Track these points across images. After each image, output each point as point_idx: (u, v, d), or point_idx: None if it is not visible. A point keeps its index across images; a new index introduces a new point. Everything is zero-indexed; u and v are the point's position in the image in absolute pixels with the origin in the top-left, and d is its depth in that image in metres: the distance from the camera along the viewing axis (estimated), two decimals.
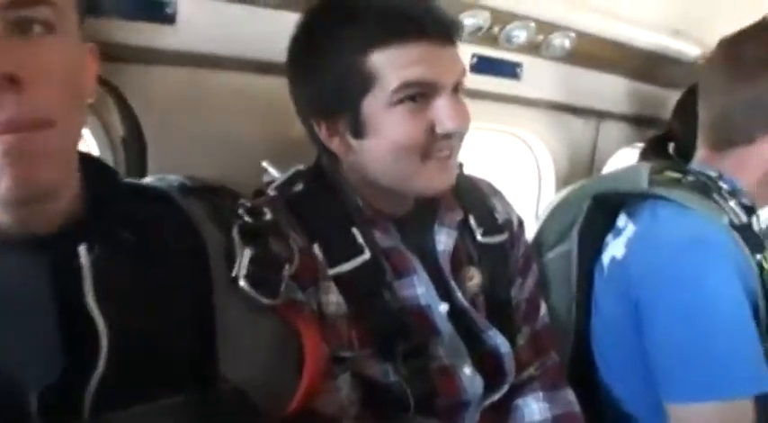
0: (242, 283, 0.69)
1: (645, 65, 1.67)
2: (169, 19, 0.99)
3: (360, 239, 0.91)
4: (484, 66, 1.39)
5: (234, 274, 0.69)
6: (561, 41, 1.45)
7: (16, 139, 0.51)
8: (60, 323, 0.56)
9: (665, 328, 0.99)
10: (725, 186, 1.10)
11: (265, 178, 1.03)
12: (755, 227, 1.09)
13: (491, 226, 1.06)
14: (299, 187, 0.95)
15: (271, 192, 0.96)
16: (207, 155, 1.09)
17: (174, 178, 0.81)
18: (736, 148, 1.14)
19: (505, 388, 1.01)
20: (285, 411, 0.69)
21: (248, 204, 0.79)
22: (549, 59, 1.50)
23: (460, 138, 0.91)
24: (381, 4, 0.85)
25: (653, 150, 1.63)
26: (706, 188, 1.09)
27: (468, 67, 1.31)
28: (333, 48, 0.86)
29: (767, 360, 0.96)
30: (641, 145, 1.72)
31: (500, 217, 1.09)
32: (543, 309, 1.14)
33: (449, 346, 0.95)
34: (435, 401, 0.93)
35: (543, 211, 1.33)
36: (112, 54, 0.92)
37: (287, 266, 0.76)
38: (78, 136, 0.62)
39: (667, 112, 1.68)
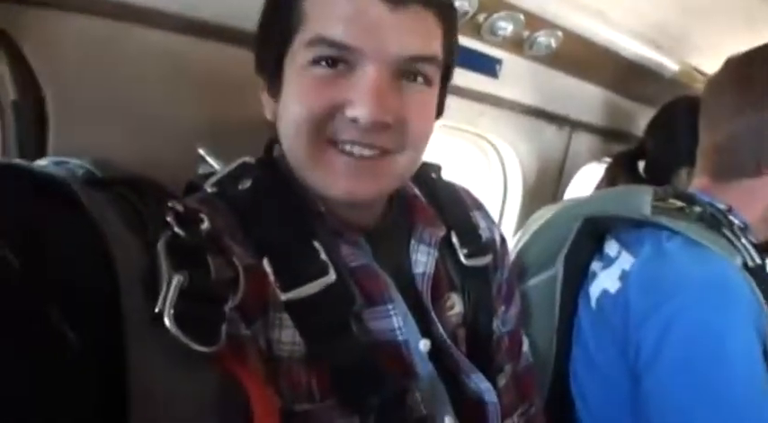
0: (168, 323, 0.48)
1: (624, 75, 1.56)
2: None
3: (323, 255, 0.71)
4: (461, 58, 1.22)
5: (157, 311, 0.49)
6: (547, 40, 1.30)
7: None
8: None
9: (670, 382, 0.86)
10: (737, 222, 0.98)
11: (201, 169, 0.82)
12: None
13: (476, 246, 0.90)
14: (245, 184, 0.74)
15: (209, 188, 0.74)
16: (126, 133, 0.87)
17: (78, 163, 0.62)
18: (741, 180, 1.03)
19: None
20: None
21: (180, 208, 0.58)
22: (530, 59, 1.35)
23: (392, 138, 0.70)
24: None
25: (622, 167, 1.53)
26: (716, 222, 0.97)
27: None
28: None
29: None
30: (609, 159, 1.63)
31: (484, 235, 0.93)
32: (526, 344, 1.00)
33: (428, 392, 0.76)
34: None
35: (524, 233, 1.17)
36: None
37: (230, 298, 0.56)
38: None
39: (637, 127, 1.58)
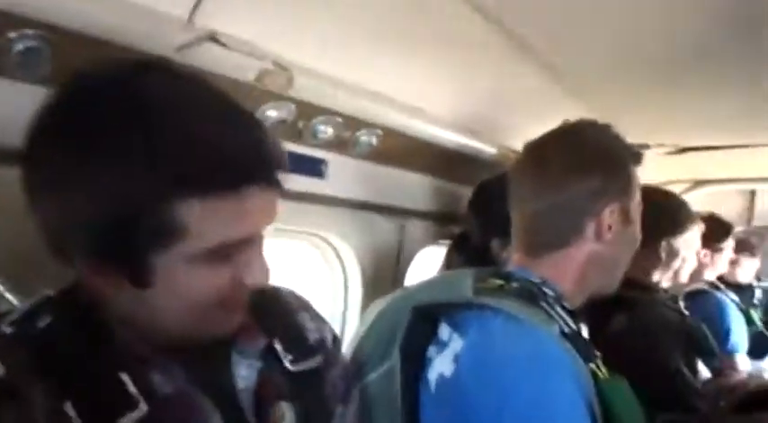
0: None
1: (447, 163, 1.69)
2: None
3: (131, 388, 0.69)
4: (288, 162, 1.27)
5: None
6: (368, 138, 1.39)
7: None
8: None
9: None
10: (550, 292, 1.07)
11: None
12: (584, 333, 1.09)
13: (302, 349, 0.91)
14: (44, 322, 0.70)
15: (5, 328, 0.69)
16: None
17: None
18: (552, 253, 1.14)
19: None
20: None
21: None
22: (354, 157, 1.43)
23: None
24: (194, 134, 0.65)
25: (456, 247, 1.63)
26: (532, 295, 1.06)
27: None
28: (114, 172, 0.63)
29: None
30: (444, 242, 1.73)
31: (311, 336, 0.94)
32: None
33: None
34: None
35: (358, 329, 1.20)
36: None
37: None
38: None
39: (464, 208, 1.70)
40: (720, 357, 2.77)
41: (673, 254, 1.98)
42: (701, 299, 2.84)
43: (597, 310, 1.89)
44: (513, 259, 1.19)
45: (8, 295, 0.78)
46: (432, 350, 1.06)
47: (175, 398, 0.73)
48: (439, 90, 1.53)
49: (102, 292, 0.71)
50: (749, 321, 3.13)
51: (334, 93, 1.22)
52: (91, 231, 0.64)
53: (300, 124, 1.23)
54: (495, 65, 1.45)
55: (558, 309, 1.04)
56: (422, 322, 1.08)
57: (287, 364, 0.87)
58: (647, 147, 2.48)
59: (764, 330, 3.29)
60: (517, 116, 1.72)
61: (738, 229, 5.23)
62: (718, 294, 3.01)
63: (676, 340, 1.82)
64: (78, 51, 0.85)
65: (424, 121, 1.53)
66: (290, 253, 1.66)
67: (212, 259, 0.68)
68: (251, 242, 0.71)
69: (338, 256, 1.59)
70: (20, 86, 0.87)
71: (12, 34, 0.80)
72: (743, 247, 3.92)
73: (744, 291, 3.87)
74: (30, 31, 0.81)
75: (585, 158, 1.13)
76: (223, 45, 1.01)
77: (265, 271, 0.74)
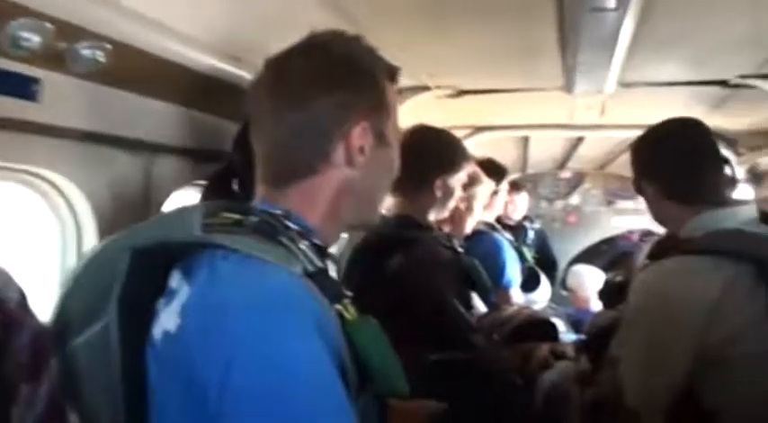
0: None
1: (201, 91, 1.48)
2: None
3: None
4: None
5: None
6: (92, 52, 1.14)
7: None
8: None
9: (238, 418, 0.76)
10: (294, 226, 0.95)
11: None
12: (332, 272, 0.99)
13: None
14: None
15: None
16: None
17: None
18: (299, 182, 1.01)
19: None
20: None
21: None
22: (78, 77, 1.17)
23: None
24: None
25: (215, 188, 1.46)
26: (273, 230, 0.92)
27: None
28: None
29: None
30: (203, 182, 1.53)
31: None
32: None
33: None
34: None
35: (64, 281, 0.97)
36: None
37: None
38: None
39: (229, 145, 1.52)
40: (497, 292, 2.93)
41: (448, 192, 1.99)
42: (479, 238, 2.96)
43: (376, 249, 1.87)
44: (257, 194, 1.05)
45: None
46: (160, 303, 0.88)
47: None
48: (187, 4, 1.31)
49: None
50: (522, 258, 3.35)
51: None
52: None
53: None
54: None
55: (303, 245, 0.92)
56: (145, 268, 0.89)
57: None
58: (427, 88, 2.47)
59: (534, 266, 3.55)
60: (283, 42, 1.55)
61: (515, 175, 5.68)
62: (495, 234, 3.17)
63: (450, 277, 1.85)
64: None
65: (169, 39, 1.31)
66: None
67: None
68: None
69: (66, 200, 1.32)
70: None
71: None
72: (514, 186, 4.21)
73: (517, 231, 4.18)
74: None
75: (330, 70, 1.01)
76: None
77: None
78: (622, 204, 6.31)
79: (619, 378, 1.49)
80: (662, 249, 1.60)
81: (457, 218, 2.36)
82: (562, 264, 4.67)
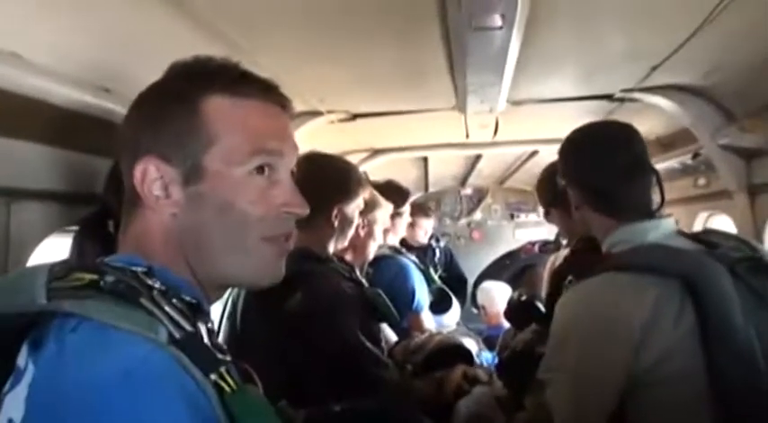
0: None
1: (68, 128, 1.35)
2: None
3: None
4: None
5: None
6: None
7: None
8: None
9: None
10: (157, 284, 0.82)
11: None
12: (204, 335, 0.84)
13: None
14: None
15: None
16: None
17: None
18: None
19: None
20: None
21: None
22: None
23: None
24: None
25: (88, 232, 1.31)
26: (129, 291, 0.79)
27: None
28: None
29: None
30: (75, 228, 1.39)
31: None
32: None
33: None
34: None
35: None
36: None
37: None
38: None
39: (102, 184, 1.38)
40: (409, 317, 2.88)
41: (346, 221, 1.92)
42: (384, 263, 2.91)
43: (273, 289, 1.76)
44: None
45: None
46: (6, 385, 0.75)
47: None
48: (44, 34, 1.19)
49: None
50: (429, 280, 3.32)
51: None
52: None
53: None
54: (120, 7, 1.17)
55: (167, 306, 0.79)
56: None
57: None
58: (319, 113, 2.41)
59: (443, 286, 3.53)
60: (158, 69, 1.44)
61: (418, 195, 5.71)
62: (400, 258, 3.12)
63: (355, 312, 1.76)
64: None
65: (25, 72, 1.18)
66: None
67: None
68: None
69: None
70: None
71: None
72: (420, 209, 4.22)
73: (423, 251, 4.18)
74: None
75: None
76: None
77: None
78: (524, 217, 6.50)
79: (548, 402, 1.44)
80: (585, 264, 1.53)
81: (358, 245, 2.29)
82: (471, 280, 4.71)
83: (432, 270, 3.68)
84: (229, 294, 1.89)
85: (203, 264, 0.90)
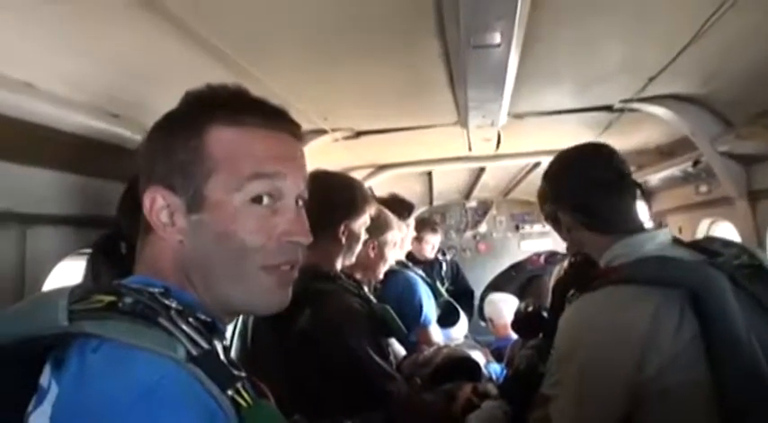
0: None
1: (80, 154, 1.38)
2: None
3: None
4: None
5: None
6: None
7: None
8: None
9: None
10: (174, 305, 0.84)
11: None
12: (220, 352, 0.86)
13: None
14: None
15: None
16: None
17: None
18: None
19: None
20: None
21: None
22: None
23: None
24: None
25: (102, 254, 1.34)
26: (148, 311, 0.81)
27: None
28: None
29: None
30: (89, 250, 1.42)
31: None
32: None
33: None
34: None
35: None
36: None
37: None
38: None
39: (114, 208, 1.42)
40: (417, 331, 2.89)
41: (353, 237, 1.94)
42: (392, 278, 2.92)
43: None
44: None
45: None
46: (31, 405, 0.78)
47: None
48: (57, 63, 1.22)
49: None
50: (436, 293, 3.33)
51: None
52: None
53: None
54: (130, 34, 1.21)
55: (184, 325, 0.81)
56: (12, 366, 0.78)
57: None
58: (324, 132, 2.43)
59: (450, 299, 3.54)
60: (168, 96, 1.47)
61: (423, 209, 5.73)
62: (408, 272, 3.14)
63: (363, 328, 1.78)
64: None
65: (39, 101, 1.22)
66: None
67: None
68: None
69: None
70: None
71: None
72: (426, 224, 4.23)
73: (430, 265, 4.18)
74: None
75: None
76: None
77: None
78: (528, 228, 6.51)
79: (552, 416, 1.44)
80: (586, 278, 1.55)
81: (369, 265, 2.31)
82: (477, 292, 4.71)
83: (438, 283, 3.69)
84: None
85: (209, 290, 0.92)
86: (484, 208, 6.65)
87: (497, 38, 1.41)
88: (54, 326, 0.76)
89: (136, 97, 1.43)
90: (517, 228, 6.56)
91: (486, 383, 2.10)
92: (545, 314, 2.01)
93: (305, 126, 2.35)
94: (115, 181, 1.48)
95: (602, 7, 1.36)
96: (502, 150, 3.05)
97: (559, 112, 2.38)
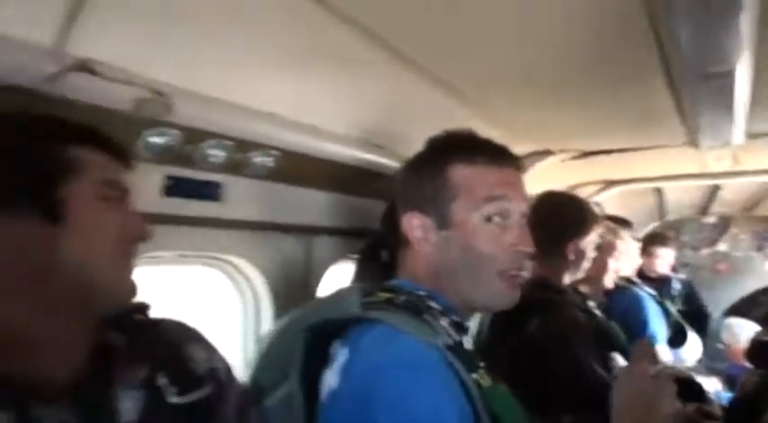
0: None
1: (350, 178, 1.70)
2: None
3: None
4: (180, 187, 1.25)
5: None
6: (263, 160, 1.38)
7: None
8: None
9: None
10: (435, 305, 1.09)
11: None
12: (467, 345, 1.10)
13: (188, 380, 0.90)
14: None
15: None
16: None
17: None
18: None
19: None
20: None
21: None
22: (251, 178, 1.42)
23: None
24: None
25: (367, 259, 1.64)
26: (417, 308, 1.07)
27: (161, 191, 1.19)
28: None
29: None
30: (356, 256, 1.73)
31: (199, 367, 0.93)
32: None
33: None
34: None
35: (256, 352, 1.18)
36: None
37: None
38: None
39: (375, 222, 1.71)
40: None
41: (580, 255, 2.04)
42: (618, 294, 2.92)
43: (514, 313, 1.94)
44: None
45: None
46: (326, 369, 1.06)
47: None
48: (335, 108, 1.54)
49: None
50: (666, 313, 3.23)
51: (219, 116, 1.21)
52: None
53: (189, 149, 1.22)
54: (385, 79, 1.47)
55: (443, 321, 1.06)
56: (316, 343, 1.08)
57: (172, 398, 0.87)
58: (550, 153, 2.56)
59: (681, 320, 3.40)
60: (417, 128, 1.73)
61: (654, 224, 5.49)
62: (635, 288, 3.11)
63: (587, 339, 1.88)
64: None
65: (321, 139, 1.53)
66: (200, 279, 1.63)
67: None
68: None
69: (246, 278, 1.57)
70: None
71: None
72: (656, 238, 4.06)
73: (661, 283, 4.00)
74: None
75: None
76: (96, 74, 0.98)
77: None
78: None
79: None
80: None
81: (593, 278, 2.38)
82: (714, 315, 4.42)
83: (669, 303, 3.56)
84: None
85: (456, 292, 1.14)
86: (723, 224, 6.14)
87: (726, 65, 1.44)
88: (351, 313, 1.05)
89: (395, 131, 1.71)
90: (760, 247, 5.96)
91: (712, 405, 2.06)
92: None
93: (532, 148, 2.52)
94: (377, 200, 1.80)
95: None
96: (740, 168, 2.91)
97: None
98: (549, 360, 1.80)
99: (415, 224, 1.15)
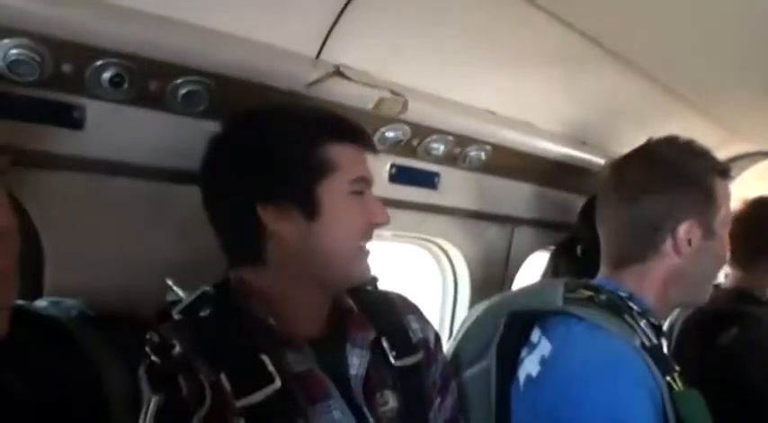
0: None
1: (555, 173, 1.76)
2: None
3: (270, 367, 0.86)
4: (403, 175, 1.42)
5: None
6: (477, 153, 1.50)
7: None
8: None
9: None
10: (635, 307, 1.14)
11: (169, 297, 0.96)
12: (664, 348, 1.14)
13: (405, 346, 1.05)
14: (205, 312, 0.90)
15: (175, 315, 0.89)
16: (111, 270, 1.02)
17: (71, 303, 0.75)
18: (633, 266, 1.20)
19: None
20: None
21: (156, 339, 0.72)
22: (465, 170, 1.54)
23: None
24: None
25: (562, 254, 1.70)
26: (618, 308, 1.12)
27: (387, 177, 1.35)
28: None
29: None
30: (552, 247, 1.80)
31: (415, 335, 1.08)
32: None
33: None
34: None
35: (459, 329, 1.32)
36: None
37: (198, 410, 0.71)
38: None
39: (574, 216, 1.76)
40: None
41: None
42: None
43: (710, 323, 1.87)
44: (601, 271, 1.26)
45: (175, 288, 0.95)
46: (524, 352, 1.16)
47: (304, 374, 0.91)
48: (546, 105, 1.60)
49: (254, 272, 0.95)
50: None
51: (444, 113, 1.34)
52: None
53: (415, 142, 1.37)
54: (598, 79, 1.51)
55: (642, 323, 1.10)
56: (516, 326, 1.18)
57: (391, 359, 1.02)
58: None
59: None
60: (624, 125, 1.75)
61: None
62: None
63: None
64: (228, 91, 1.03)
65: (531, 135, 1.61)
66: (409, 258, 1.80)
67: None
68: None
69: (450, 260, 1.71)
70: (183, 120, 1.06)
71: (178, 80, 1.00)
72: None
73: None
74: (191, 78, 1.00)
75: (657, 177, 1.18)
76: (347, 78, 1.16)
77: (385, 213, 0.98)
78: None
79: None
80: None
81: None
82: None
83: None
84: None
85: (684, 295, 1.23)
86: None
87: None
88: (553, 305, 1.14)
89: (602, 129, 1.74)
90: None
91: None
92: None
93: (748, 149, 2.36)
94: (577, 194, 1.84)
95: None
96: None
97: None
98: (742, 373, 1.73)
99: (695, 234, 1.17)
